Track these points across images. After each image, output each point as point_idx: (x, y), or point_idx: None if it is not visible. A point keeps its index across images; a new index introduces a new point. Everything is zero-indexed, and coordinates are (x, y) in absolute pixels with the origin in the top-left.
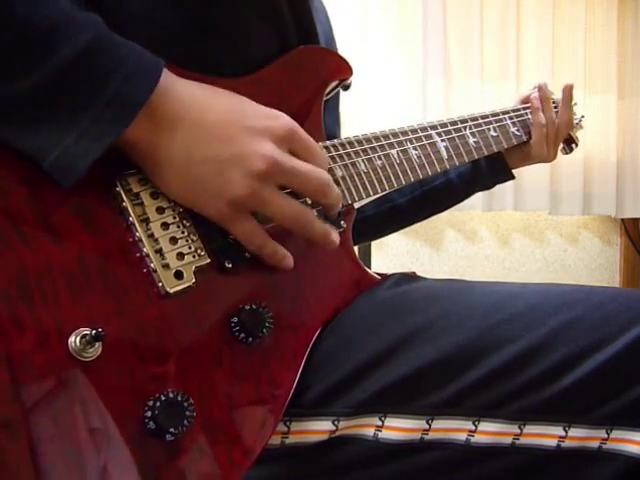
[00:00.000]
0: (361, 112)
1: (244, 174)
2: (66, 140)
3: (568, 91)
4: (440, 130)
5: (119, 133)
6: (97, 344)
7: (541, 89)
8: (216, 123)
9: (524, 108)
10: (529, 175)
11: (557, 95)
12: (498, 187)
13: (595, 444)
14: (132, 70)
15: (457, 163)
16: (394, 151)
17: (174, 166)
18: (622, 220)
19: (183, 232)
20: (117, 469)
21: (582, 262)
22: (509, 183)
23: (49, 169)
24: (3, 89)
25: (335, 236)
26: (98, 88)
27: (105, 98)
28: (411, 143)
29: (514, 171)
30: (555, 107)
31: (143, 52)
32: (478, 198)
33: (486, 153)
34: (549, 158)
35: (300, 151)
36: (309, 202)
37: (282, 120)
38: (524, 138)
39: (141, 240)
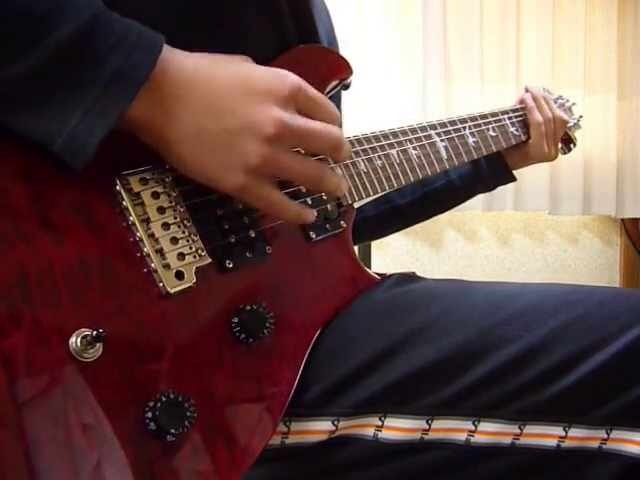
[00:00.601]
0: (361, 112)
1: (256, 141)
2: (72, 119)
3: (537, 91)
4: (440, 130)
5: (124, 109)
6: (98, 345)
7: (530, 90)
8: (221, 92)
9: (523, 108)
10: (529, 175)
11: (556, 94)
12: (498, 187)
13: (595, 444)
14: (133, 46)
15: (456, 163)
16: (394, 151)
17: (186, 142)
18: (622, 220)
19: (184, 232)
20: (116, 470)
21: (582, 262)
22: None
23: (59, 152)
24: (4, 72)
25: (345, 185)
26: (100, 65)
27: (107, 74)
28: (411, 143)
29: (514, 172)
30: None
31: (142, 28)
32: (478, 198)
33: (485, 153)
34: (550, 157)
35: (308, 108)
36: (309, 202)
37: (286, 80)
38: (523, 138)
39: (142, 240)
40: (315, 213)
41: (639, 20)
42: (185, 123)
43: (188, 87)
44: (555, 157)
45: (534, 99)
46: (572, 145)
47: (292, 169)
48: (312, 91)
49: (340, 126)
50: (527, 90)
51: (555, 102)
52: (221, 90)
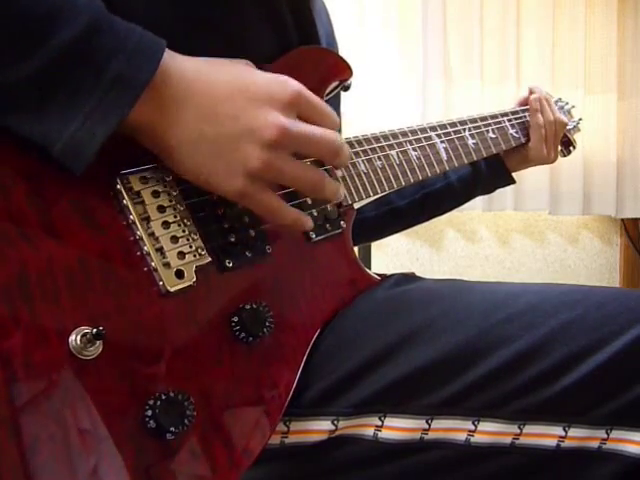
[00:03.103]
0: (361, 112)
1: (256, 146)
2: (73, 124)
3: (541, 93)
4: (440, 132)
5: (125, 113)
6: (98, 343)
7: (534, 91)
8: (222, 98)
9: (522, 110)
10: (529, 175)
11: (555, 96)
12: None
13: (595, 444)
14: (134, 50)
15: (456, 164)
16: (394, 152)
17: (185, 147)
18: (622, 220)
19: (184, 231)
20: (115, 468)
21: (582, 262)
22: None
23: (59, 155)
24: (6, 76)
25: (342, 192)
26: (101, 69)
27: (109, 79)
28: (411, 144)
29: (514, 174)
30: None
31: (144, 32)
32: (478, 198)
33: (485, 155)
34: (549, 159)
35: (308, 114)
36: (310, 202)
37: (287, 85)
38: (522, 140)
39: (142, 239)
40: (311, 224)
41: (639, 20)
42: (185, 128)
43: (189, 92)
44: (554, 160)
45: (539, 102)
46: (572, 148)
47: (291, 175)
48: (312, 97)
49: (339, 131)
50: (531, 92)
51: (555, 104)
52: (222, 95)
